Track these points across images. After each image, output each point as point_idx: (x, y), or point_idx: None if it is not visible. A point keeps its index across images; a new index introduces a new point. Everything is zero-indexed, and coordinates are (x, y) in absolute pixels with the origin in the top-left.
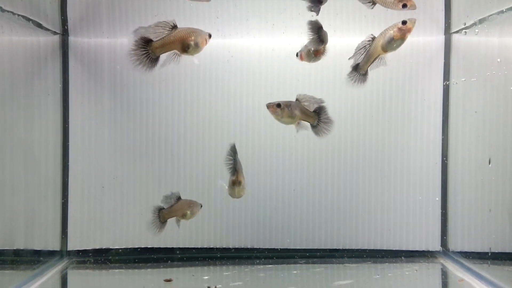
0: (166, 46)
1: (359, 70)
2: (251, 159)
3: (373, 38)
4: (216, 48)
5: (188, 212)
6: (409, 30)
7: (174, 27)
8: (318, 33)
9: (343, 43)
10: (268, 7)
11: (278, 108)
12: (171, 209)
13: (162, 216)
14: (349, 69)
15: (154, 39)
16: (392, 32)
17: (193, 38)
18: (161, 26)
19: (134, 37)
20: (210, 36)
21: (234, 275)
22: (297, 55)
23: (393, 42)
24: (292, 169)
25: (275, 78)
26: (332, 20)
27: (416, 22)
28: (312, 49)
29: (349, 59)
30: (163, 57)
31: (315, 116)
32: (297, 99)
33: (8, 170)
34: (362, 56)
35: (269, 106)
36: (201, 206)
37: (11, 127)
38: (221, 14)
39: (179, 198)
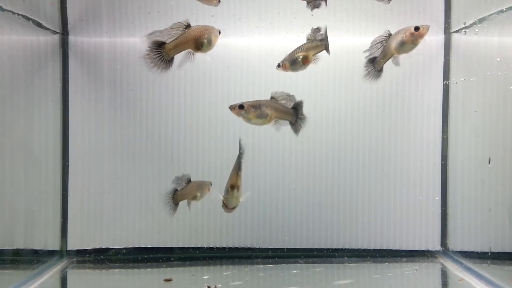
0: (179, 46)
1: (375, 65)
2: (251, 159)
3: (389, 35)
4: (215, 47)
5: (198, 194)
6: (422, 36)
7: (188, 26)
8: (322, 39)
9: (343, 43)
10: (268, 6)
11: (242, 110)
12: (183, 192)
13: (176, 198)
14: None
15: (167, 41)
16: (404, 36)
17: (206, 36)
18: (176, 28)
19: (148, 40)
20: (220, 32)
21: (234, 275)
22: (278, 65)
23: (404, 46)
24: (292, 169)
25: (275, 77)
26: (332, 20)
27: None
28: (301, 57)
29: (364, 52)
30: (179, 56)
31: (293, 113)
32: (272, 97)
33: (8, 169)
34: (379, 50)
35: (231, 108)
36: (211, 184)
37: (11, 126)
38: (220, 12)
39: (189, 181)
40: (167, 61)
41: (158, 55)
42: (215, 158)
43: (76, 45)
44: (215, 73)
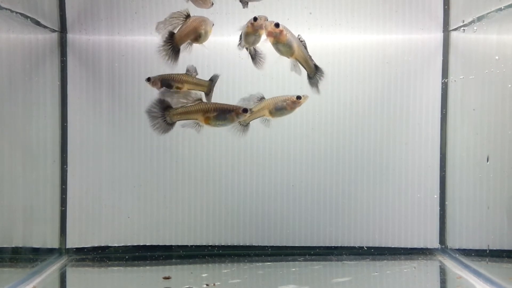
0: (185, 36)
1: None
2: (250, 156)
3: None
4: (214, 45)
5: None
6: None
7: (188, 16)
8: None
9: (341, 41)
10: (273, 4)
11: (148, 82)
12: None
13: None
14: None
15: (175, 31)
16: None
17: (203, 27)
18: (176, 17)
19: (159, 33)
20: (213, 24)
21: (233, 273)
22: (254, 19)
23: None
24: (291, 166)
25: (273, 76)
26: (331, 18)
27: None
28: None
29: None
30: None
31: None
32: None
33: (7, 167)
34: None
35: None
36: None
37: (9, 124)
38: (226, 10)
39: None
40: (176, 52)
41: (170, 45)
42: (213, 156)
43: (74, 43)
44: (214, 70)
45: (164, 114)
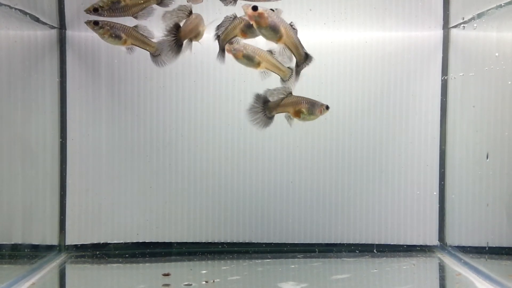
0: (189, 32)
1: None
2: (249, 153)
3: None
4: (214, 43)
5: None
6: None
7: (190, 13)
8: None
9: (341, 38)
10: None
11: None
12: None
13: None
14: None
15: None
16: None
17: (202, 25)
18: (182, 10)
19: (164, 22)
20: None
21: (232, 270)
22: (255, 8)
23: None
24: (290, 164)
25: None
26: (331, 14)
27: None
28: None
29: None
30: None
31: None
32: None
33: (6, 164)
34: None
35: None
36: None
37: (8, 121)
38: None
39: None
40: (179, 46)
41: (175, 38)
42: (212, 152)
43: (73, 39)
44: (213, 69)
45: (264, 109)
